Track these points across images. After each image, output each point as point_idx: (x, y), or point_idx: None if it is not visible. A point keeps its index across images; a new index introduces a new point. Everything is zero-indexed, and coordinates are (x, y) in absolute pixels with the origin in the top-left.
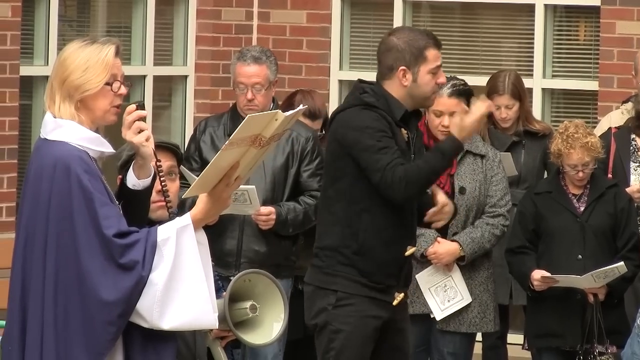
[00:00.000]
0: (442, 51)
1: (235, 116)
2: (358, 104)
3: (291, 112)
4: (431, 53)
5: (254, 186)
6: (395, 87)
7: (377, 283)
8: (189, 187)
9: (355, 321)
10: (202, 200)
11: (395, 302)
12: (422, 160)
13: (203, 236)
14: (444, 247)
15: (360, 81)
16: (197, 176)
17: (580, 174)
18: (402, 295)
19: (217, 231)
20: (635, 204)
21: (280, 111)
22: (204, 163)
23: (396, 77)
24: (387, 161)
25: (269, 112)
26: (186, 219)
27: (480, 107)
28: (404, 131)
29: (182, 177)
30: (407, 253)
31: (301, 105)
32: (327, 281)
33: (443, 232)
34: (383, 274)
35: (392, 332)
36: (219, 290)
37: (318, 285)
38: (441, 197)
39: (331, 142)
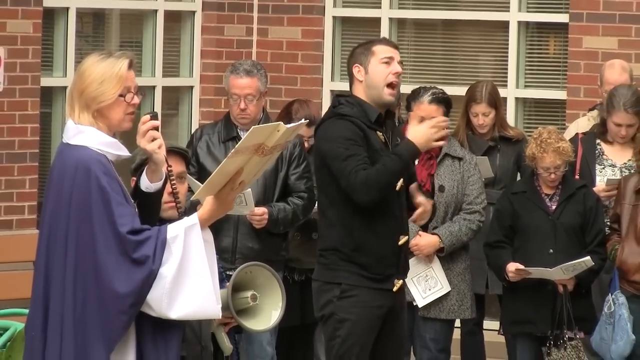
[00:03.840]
0: (425, 63)
1: (228, 124)
2: (332, 115)
3: (293, 124)
4: (378, 47)
5: (250, 189)
6: (359, 89)
7: (377, 274)
8: (191, 191)
9: (358, 311)
10: (208, 202)
11: (395, 288)
12: (381, 164)
13: (209, 234)
14: (425, 240)
15: (337, 95)
16: (197, 181)
17: (553, 175)
18: (401, 281)
19: (214, 230)
20: (602, 203)
21: (282, 123)
22: (200, 168)
23: (355, 78)
24: (352, 167)
25: (272, 123)
26: (194, 218)
27: (437, 119)
28: (379, 133)
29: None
30: (401, 242)
31: (303, 120)
32: (332, 276)
33: (424, 226)
34: (381, 265)
35: (392, 319)
36: (222, 281)
37: (324, 280)
38: (421, 199)
39: (315, 153)
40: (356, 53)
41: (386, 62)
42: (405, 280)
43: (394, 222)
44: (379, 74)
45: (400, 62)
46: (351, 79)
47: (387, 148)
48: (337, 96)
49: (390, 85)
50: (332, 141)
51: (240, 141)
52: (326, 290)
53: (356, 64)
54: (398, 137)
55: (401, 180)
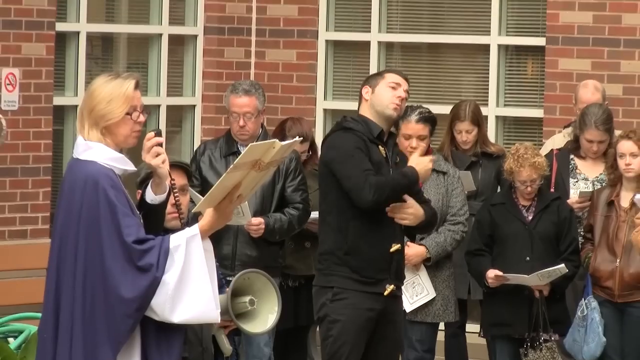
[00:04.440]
0: (411, 83)
1: (229, 140)
2: (338, 129)
3: (288, 142)
4: (389, 74)
5: (246, 202)
6: (367, 108)
7: (368, 277)
8: (193, 203)
9: (349, 312)
10: (208, 214)
11: (386, 293)
12: (391, 177)
13: (209, 244)
14: (413, 250)
15: (344, 116)
16: (199, 194)
17: (529, 188)
18: (392, 287)
19: (215, 239)
20: (575, 213)
21: (277, 140)
22: (203, 180)
23: (362, 98)
24: (360, 170)
25: (268, 141)
26: (195, 229)
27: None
28: (381, 148)
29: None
30: (392, 250)
31: (297, 137)
32: (326, 280)
33: (412, 237)
34: (373, 269)
35: (384, 322)
36: (222, 287)
37: (320, 285)
38: (408, 198)
39: (320, 163)
40: (369, 78)
41: (393, 87)
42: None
43: (387, 230)
44: (384, 94)
45: (407, 92)
46: (360, 99)
47: (387, 163)
48: (344, 116)
49: (393, 104)
50: (338, 149)
51: (238, 158)
52: (321, 293)
53: (366, 86)
54: (397, 156)
55: None
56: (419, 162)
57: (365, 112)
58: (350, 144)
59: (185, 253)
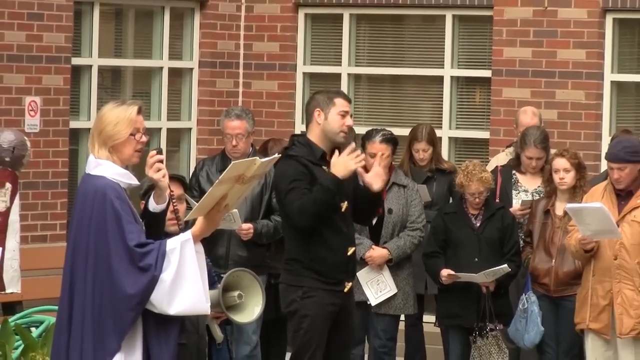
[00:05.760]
0: (376, 109)
1: (224, 157)
2: (284, 156)
3: (267, 159)
4: (339, 101)
5: (237, 210)
6: (315, 129)
7: (331, 279)
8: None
9: (317, 308)
10: (199, 221)
11: (346, 290)
12: (312, 195)
13: (200, 247)
14: (377, 252)
15: (293, 135)
16: (197, 202)
17: (477, 199)
18: (350, 284)
19: (211, 241)
20: (517, 220)
21: (258, 158)
22: (202, 192)
23: (314, 119)
24: (290, 198)
25: (250, 159)
26: (188, 234)
27: (349, 149)
28: (325, 168)
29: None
30: (350, 252)
31: (276, 154)
32: (295, 280)
33: (376, 241)
34: (334, 271)
35: (342, 314)
36: (214, 283)
37: (289, 283)
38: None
39: (273, 183)
40: (319, 99)
41: (342, 115)
42: (361, 284)
43: (342, 236)
44: (335, 123)
45: (351, 115)
46: (310, 118)
47: None
48: (292, 136)
49: (342, 131)
50: (281, 177)
51: (223, 173)
52: (291, 291)
53: (318, 109)
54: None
55: (346, 202)
56: (335, 163)
57: (314, 133)
58: (289, 173)
59: (179, 255)
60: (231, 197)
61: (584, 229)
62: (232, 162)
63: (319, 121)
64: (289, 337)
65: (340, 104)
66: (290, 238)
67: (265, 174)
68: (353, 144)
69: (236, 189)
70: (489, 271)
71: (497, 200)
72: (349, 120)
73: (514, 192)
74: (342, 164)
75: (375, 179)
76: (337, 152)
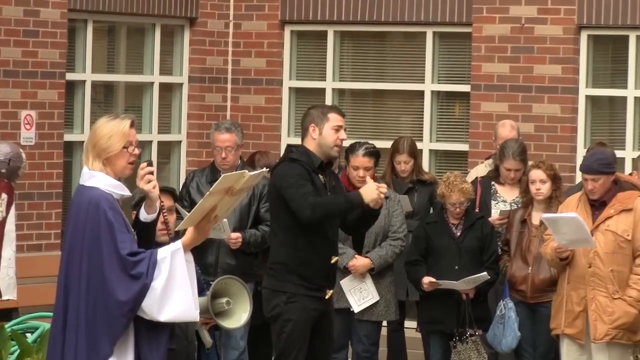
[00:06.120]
0: (359, 122)
1: (214, 169)
2: (285, 160)
3: (255, 172)
4: (333, 116)
5: (226, 220)
6: (311, 143)
7: (313, 284)
8: (182, 220)
9: (300, 313)
10: (190, 231)
11: (327, 296)
12: (332, 198)
13: (190, 256)
14: (360, 262)
15: (289, 145)
16: (188, 212)
17: (458, 209)
18: (331, 291)
19: (201, 250)
20: (495, 230)
21: (247, 171)
22: (192, 202)
23: (309, 134)
24: (302, 192)
25: (239, 172)
26: (178, 244)
27: (383, 187)
28: (321, 177)
29: (177, 212)
30: (333, 261)
31: (264, 168)
32: (279, 285)
33: (359, 250)
34: (317, 277)
35: (322, 319)
36: (203, 290)
37: (273, 288)
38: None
39: (270, 188)
40: (313, 114)
41: (336, 130)
42: (345, 292)
43: (329, 244)
44: (330, 137)
45: (345, 129)
46: (305, 132)
47: (325, 189)
48: (289, 146)
49: (336, 145)
50: (286, 177)
51: (213, 185)
52: (275, 296)
53: (313, 124)
54: (334, 181)
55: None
56: (365, 188)
57: (310, 145)
58: (295, 172)
59: (170, 264)
60: (220, 209)
61: (560, 238)
62: (222, 175)
63: (314, 136)
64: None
65: (334, 118)
66: (279, 242)
67: (253, 186)
68: (379, 184)
69: (225, 200)
70: (469, 279)
71: (477, 210)
72: (342, 135)
73: (493, 203)
74: (371, 192)
75: (375, 202)
76: (369, 179)
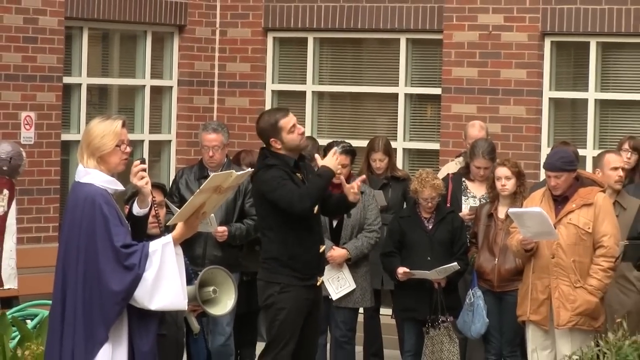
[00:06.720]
0: (337, 123)
1: (201, 167)
2: (264, 166)
3: (241, 172)
4: (283, 122)
5: (213, 215)
6: (280, 151)
7: (305, 274)
8: (172, 214)
9: (293, 302)
10: (179, 226)
11: (318, 283)
12: (309, 182)
13: (179, 249)
14: (337, 252)
15: (262, 148)
16: (177, 208)
17: (430, 204)
18: (321, 278)
19: (190, 242)
20: (465, 224)
21: (234, 171)
22: (181, 198)
23: (274, 147)
24: (287, 190)
25: (227, 172)
26: (169, 237)
27: (331, 156)
28: (298, 174)
29: (167, 207)
30: (321, 250)
31: (249, 169)
32: (273, 277)
33: (336, 242)
34: (308, 267)
35: (314, 307)
36: (191, 280)
37: (267, 280)
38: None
39: (255, 193)
40: (266, 130)
41: (292, 130)
42: (324, 280)
43: (315, 236)
44: (292, 140)
45: (297, 122)
46: (270, 146)
47: (304, 183)
48: (262, 149)
49: (300, 140)
50: (267, 181)
51: (203, 184)
52: (269, 287)
53: (272, 139)
54: (310, 174)
55: (317, 206)
56: (325, 160)
57: (279, 151)
58: (275, 175)
59: (161, 256)
60: (209, 205)
61: (525, 231)
62: (212, 175)
63: (279, 146)
64: (261, 329)
65: (285, 123)
66: (269, 240)
67: (239, 184)
68: (335, 149)
69: (213, 198)
70: (441, 269)
71: (448, 205)
72: (300, 129)
73: (463, 198)
74: (330, 161)
75: (353, 196)
76: (317, 156)
